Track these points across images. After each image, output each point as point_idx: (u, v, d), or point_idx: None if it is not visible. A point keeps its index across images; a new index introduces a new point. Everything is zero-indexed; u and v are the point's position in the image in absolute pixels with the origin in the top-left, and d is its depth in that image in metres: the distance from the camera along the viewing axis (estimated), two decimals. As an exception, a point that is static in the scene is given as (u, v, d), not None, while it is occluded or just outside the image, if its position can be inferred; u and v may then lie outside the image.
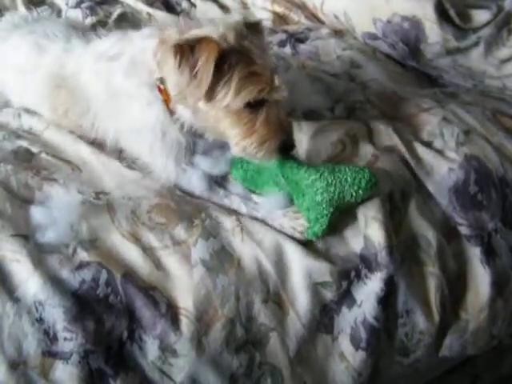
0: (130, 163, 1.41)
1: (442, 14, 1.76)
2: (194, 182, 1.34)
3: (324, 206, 1.20)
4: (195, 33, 1.21)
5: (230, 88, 1.18)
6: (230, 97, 1.19)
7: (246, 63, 1.18)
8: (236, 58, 1.18)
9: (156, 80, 1.29)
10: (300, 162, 1.27)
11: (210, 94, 1.19)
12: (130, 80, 1.33)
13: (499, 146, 1.44)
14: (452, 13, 1.77)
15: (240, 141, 1.24)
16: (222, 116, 1.23)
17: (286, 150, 1.25)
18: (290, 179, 1.26)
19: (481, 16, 1.77)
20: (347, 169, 1.22)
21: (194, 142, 1.36)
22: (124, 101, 1.35)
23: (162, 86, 1.29)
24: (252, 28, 1.26)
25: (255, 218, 1.28)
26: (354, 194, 1.21)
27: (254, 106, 1.21)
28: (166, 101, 1.30)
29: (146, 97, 1.31)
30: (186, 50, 1.16)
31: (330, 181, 1.20)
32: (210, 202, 1.33)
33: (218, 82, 1.18)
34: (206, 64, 1.15)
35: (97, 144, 1.45)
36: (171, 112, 1.31)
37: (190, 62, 1.16)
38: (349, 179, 1.20)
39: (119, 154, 1.43)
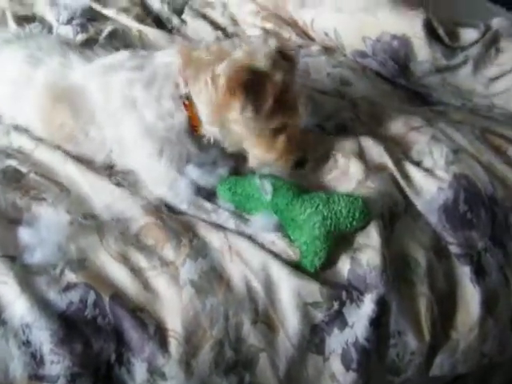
0: (120, 179, 1.39)
1: (430, 32, 1.77)
2: (182, 192, 1.34)
3: (322, 240, 1.22)
4: (236, 61, 1.26)
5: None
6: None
7: (279, 92, 1.26)
8: None
9: (181, 96, 1.32)
10: (291, 195, 1.29)
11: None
12: (150, 91, 1.35)
13: (488, 164, 1.45)
14: (441, 31, 1.78)
15: (258, 155, 1.35)
16: (246, 134, 1.32)
17: (300, 165, 1.37)
18: (286, 216, 1.28)
19: (469, 35, 1.78)
20: (341, 199, 1.26)
21: (190, 154, 1.38)
22: (138, 110, 1.36)
23: (186, 102, 1.32)
24: (284, 56, 1.33)
25: (243, 234, 1.28)
26: (349, 226, 1.25)
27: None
28: (191, 117, 1.33)
29: (166, 109, 1.34)
30: (248, 91, 1.23)
31: (325, 214, 1.24)
32: (196, 218, 1.32)
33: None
34: (269, 101, 1.24)
35: (85, 161, 1.43)
36: (194, 128, 1.35)
37: (252, 100, 1.24)
38: (343, 211, 1.24)
39: (110, 171, 1.42)
